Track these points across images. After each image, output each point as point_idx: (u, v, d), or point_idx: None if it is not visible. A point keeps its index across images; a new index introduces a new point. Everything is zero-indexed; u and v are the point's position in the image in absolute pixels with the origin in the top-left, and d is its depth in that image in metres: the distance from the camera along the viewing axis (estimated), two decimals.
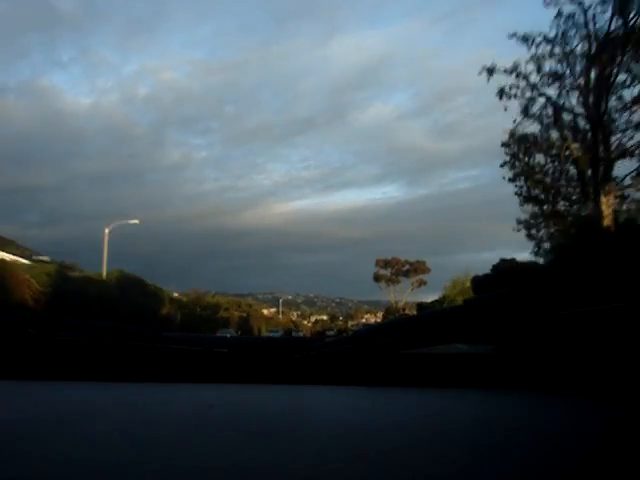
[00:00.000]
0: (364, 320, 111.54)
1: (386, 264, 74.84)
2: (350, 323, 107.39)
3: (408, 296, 75.06)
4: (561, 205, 20.28)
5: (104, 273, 25.03)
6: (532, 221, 20.52)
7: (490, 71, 19.63)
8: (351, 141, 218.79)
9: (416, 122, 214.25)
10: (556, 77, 19.09)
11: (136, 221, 28.15)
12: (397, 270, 74.59)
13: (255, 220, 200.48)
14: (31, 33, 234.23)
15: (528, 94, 19.56)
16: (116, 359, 1.04)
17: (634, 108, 17.88)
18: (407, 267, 74.25)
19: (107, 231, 25.63)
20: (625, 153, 17.92)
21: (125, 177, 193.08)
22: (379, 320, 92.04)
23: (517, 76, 19.37)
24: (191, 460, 0.44)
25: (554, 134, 19.97)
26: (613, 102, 18.08)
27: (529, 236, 20.48)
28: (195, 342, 1.09)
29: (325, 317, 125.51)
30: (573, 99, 19.02)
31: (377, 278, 74.83)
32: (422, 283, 73.82)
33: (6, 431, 0.59)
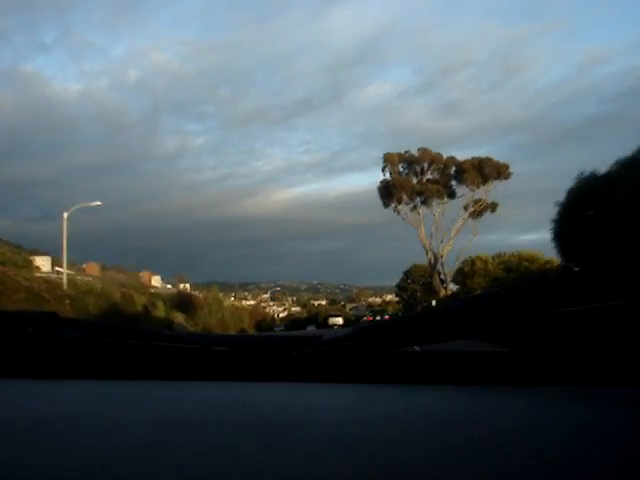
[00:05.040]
0: (364, 303, 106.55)
1: (410, 164, 35.29)
2: (349, 307, 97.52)
3: (456, 235, 35.23)
4: None
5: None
6: None
7: None
8: (352, 122, 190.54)
9: (418, 100, 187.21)
10: None
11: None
12: (429, 181, 35.35)
13: (256, 208, 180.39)
14: (9, 12, 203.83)
15: None
16: (115, 357, 1.11)
17: None
18: (454, 170, 35.10)
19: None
20: None
21: (120, 168, 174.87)
22: (387, 300, 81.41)
23: None
24: (190, 459, 0.45)
25: None
26: None
27: None
28: (194, 340, 1.16)
29: (324, 302, 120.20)
30: None
31: (387, 194, 35.11)
32: (487, 207, 34.55)
33: (5, 430, 0.59)
